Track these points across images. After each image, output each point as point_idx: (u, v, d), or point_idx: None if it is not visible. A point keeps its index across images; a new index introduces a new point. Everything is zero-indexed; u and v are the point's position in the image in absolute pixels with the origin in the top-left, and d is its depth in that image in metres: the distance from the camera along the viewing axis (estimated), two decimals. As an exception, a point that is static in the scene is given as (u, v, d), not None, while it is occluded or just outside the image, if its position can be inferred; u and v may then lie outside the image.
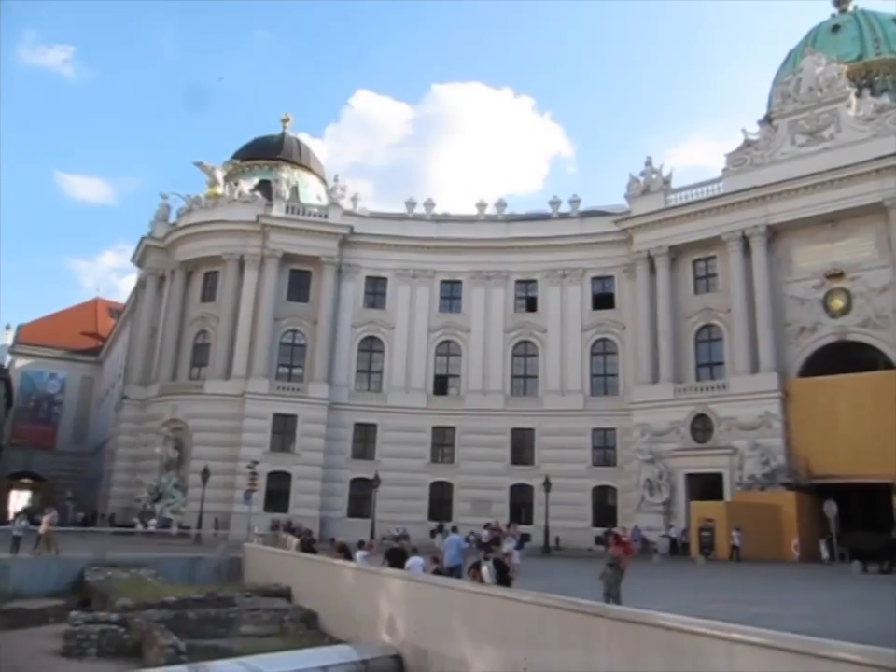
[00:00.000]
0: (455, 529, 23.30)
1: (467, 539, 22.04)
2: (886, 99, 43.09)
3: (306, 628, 14.21)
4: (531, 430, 46.49)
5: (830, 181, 40.13)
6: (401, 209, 52.70)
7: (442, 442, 47.41)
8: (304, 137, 65.64)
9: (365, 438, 47.23)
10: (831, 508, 33.94)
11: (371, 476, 42.83)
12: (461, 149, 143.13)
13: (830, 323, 40.21)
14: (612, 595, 12.88)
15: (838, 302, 40.13)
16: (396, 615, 11.12)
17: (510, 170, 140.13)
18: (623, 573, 13.37)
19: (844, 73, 43.26)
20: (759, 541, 34.35)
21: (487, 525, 24.42)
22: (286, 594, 17.22)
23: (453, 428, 47.24)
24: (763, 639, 5.31)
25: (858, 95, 42.89)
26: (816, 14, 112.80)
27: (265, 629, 14.28)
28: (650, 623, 6.32)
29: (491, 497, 44.69)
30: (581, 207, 51.15)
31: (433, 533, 37.16)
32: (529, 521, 42.85)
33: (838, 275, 40.19)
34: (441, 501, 45.88)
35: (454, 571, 16.40)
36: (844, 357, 39.20)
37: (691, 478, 41.53)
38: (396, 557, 15.68)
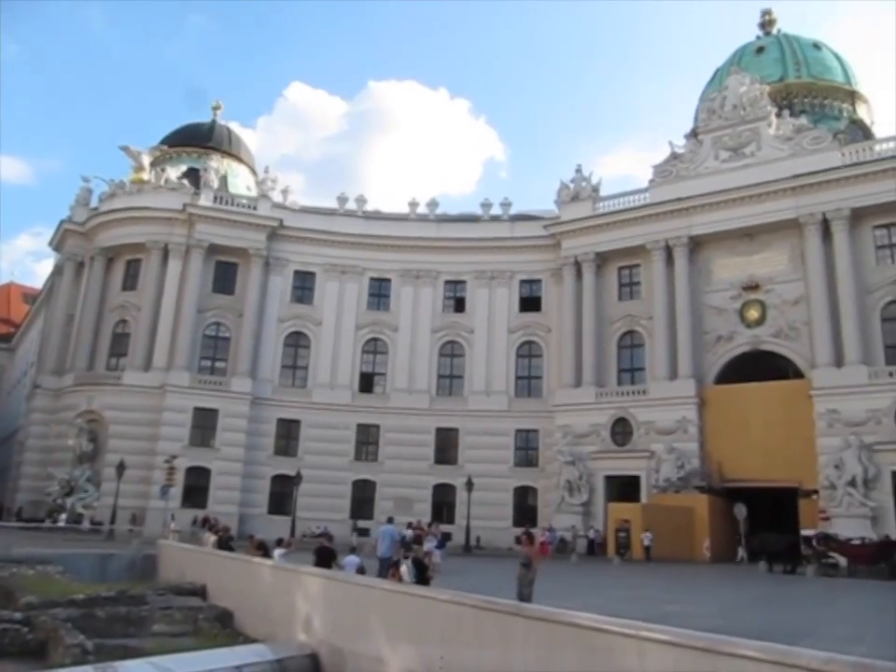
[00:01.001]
0: (390, 520, 23.37)
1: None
2: (804, 120, 44.97)
3: (221, 627, 13.92)
4: (455, 430, 46.78)
5: (749, 196, 41.67)
6: (333, 204, 52.26)
7: (367, 440, 47.22)
8: (235, 126, 64.53)
9: (288, 434, 46.62)
10: (740, 510, 35.25)
11: (292, 473, 42.25)
12: (395, 147, 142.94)
13: (745, 333, 41.75)
14: (524, 595, 13.02)
15: (753, 313, 41.70)
16: (313, 614, 11.01)
17: (443, 170, 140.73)
18: (535, 573, 13.54)
19: (766, 93, 44.95)
20: (673, 542, 35.43)
21: (410, 525, 24.47)
22: (201, 592, 16.84)
23: (377, 426, 47.11)
24: (670, 637, 5.47)
25: (778, 115, 44.62)
26: (742, 34, 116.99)
27: (178, 628, 13.92)
28: (564, 621, 6.43)
29: (414, 496, 44.76)
30: (512, 211, 51.78)
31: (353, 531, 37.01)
32: (451, 520, 43.11)
33: (754, 287, 41.76)
34: (363, 499, 45.70)
35: (385, 563, 16.35)
36: (757, 366, 40.80)
37: (609, 480, 42.50)
38: (324, 556, 15.56)
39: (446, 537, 33.54)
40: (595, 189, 48.25)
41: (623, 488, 41.81)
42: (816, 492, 36.48)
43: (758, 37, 63.69)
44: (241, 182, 55.39)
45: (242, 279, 48.02)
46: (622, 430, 42.92)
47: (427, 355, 48.37)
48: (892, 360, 37.67)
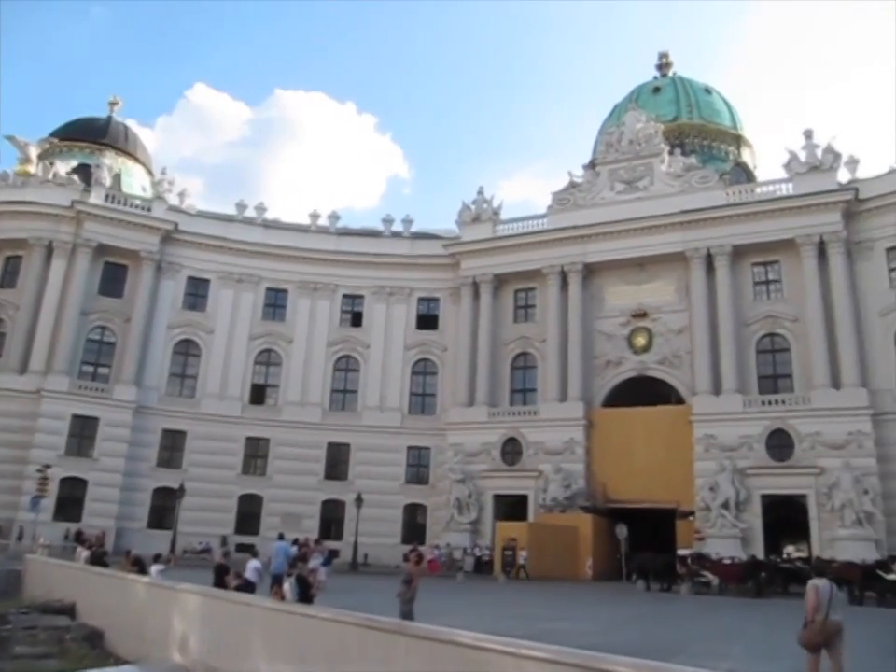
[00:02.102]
0: (281, 536, 23.02)
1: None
2: (693, 160, 47.42)
3: (90, 648, 13.25)
4: (347, 445, 46.34)
5: (641, 228, 43.49)
6: (231, 211, 51.12)
7: (255, 454, 46.09)
8: (133, 124, 62.28)
9: (173, 445, 44.92)
10: (621, 530, 36.44)
11: (175, 486, 40.67)
12: (299, 158, 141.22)
13: (633, 358, 43.38)
14: (404, 612, 13.00)
15: (641, 340, 43.41)
16: (189, 633, 10.64)
17: (347, 184, 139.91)
18: (414, 591, 13.55)
19: (660, 131, 47.13)
20: (557, 561, 36.21)
21: (296, 541, 24.05)
22: (69, 610, 16.00)
23: (267, 440, 46.08)
24: (548, 654, 5.60)
25: (671, 153, 46.88)
26: (641, 74, 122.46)
27: (42, 649, 13.15)
28: (445, 639, 6.49)
29: (302, 512, 43.96)
30: (414, 228, 52.09)
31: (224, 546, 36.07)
32: (340, 537, 42.71)
33: (642, 315, 43.51)
34: (249, 515, 44.50)
35: (278, 579, 16.22)
36: (643, 391, 42.41)
37: (498, 498, 43.08)
38: (221, 574, 15.17)
39: (333, 554, 33.19)
40: (496, 212, 49.19)
41: (512, 507, 42.47)
42: (692, 513, 38.11)
43: (655, 78, 66.86)
44: (136, 182, 53.36)
45: (131, 282, 46.12)
46: (512, 450, 43.65)
47: (321, 368, 47.79)
48: (765, 390, 39.99)
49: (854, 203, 39.80)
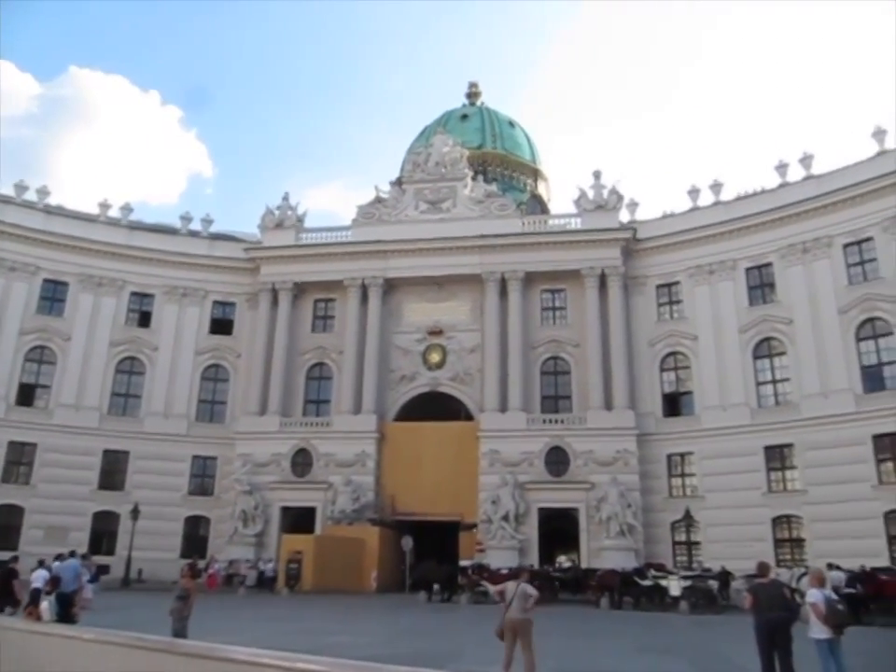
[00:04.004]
0: (72, 554, 21.36)
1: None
2: (494, 187, 49.78)
3: None
4: (126, 453, 43.35)
5: (441, 248, 44.87)
6: (9, 192, 46.26)
7: (20, 460, 41.78)
8: None
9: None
10: (407, 542, 37.18)
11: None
12: (92, 143, 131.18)
13: (426, 374, 44.51)
14: (177, 630, 12.45)
15: (435, 357, 44.68)
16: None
17: (144, 178, 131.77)
18: (190, 608, 13.05)
19: (465, 157, 49.00)
20: (343, 573, 36.16)
21: (59, 557, 22.24)
22: None
23: (34, 445, 41.91)
24: (323, 667, 5.58)
25: (474, 179, 48.93)
26: (451, 99, 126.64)
27: None
28: (218, 657, 6.26)
29: (70, 525, 40.44)
30: (214, 229, 50.04)
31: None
32: (112, 551, 39.92)
33: (438, 332, 44.82)
34: (7, 528, 40.16)
35: (68, 597, 15.20)
36: (434, 406, 43.63)
37: (286, 511, 42.31)
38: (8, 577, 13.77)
39: (102, 570, 30.93)
40: (300, 220, 48.59)
41: (299, 519, 41.89)
42: (475, 525, 39.67)
43: (464, 105, 69.65)
44: None
45: None
46: (302, 461, 43.08)
47: (101, 369, 44.31)
48: (547, 409, 42.61)
49: (632, 242, 43.69)
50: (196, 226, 49.45)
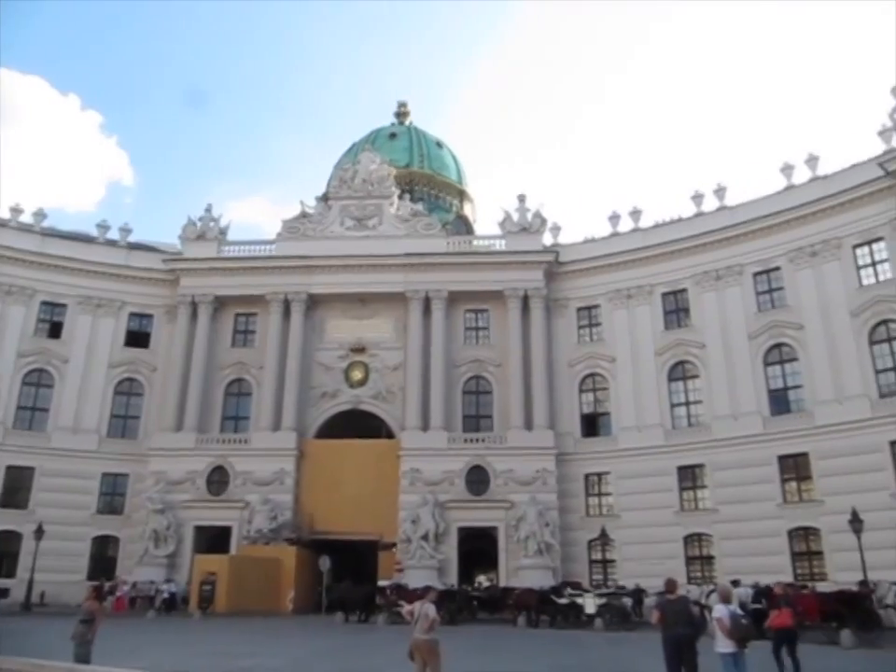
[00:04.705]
0: None
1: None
2: (420, 207, 50.11)
3: None
4: (31, 469, 41.39)
5: (366, 265, 44.79)
6: None
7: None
8: None
9: None
10: (324, 562, 36.58)
11: None
12: (3, 144, 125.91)
13: (348, 392, 44.15)
14: (79, 655, 11.92)
15: (357, 374, 44.39)
16: None
17: (59, 183, 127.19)
18: (95, 632, 12.53)
19: (392, 175, 49.09)
20: (259, 594, 35.35)
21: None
22: None
23: (-73, 460, 39.76)
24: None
25: (400, 198, 49.03)
26: (381, 117, 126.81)
27: None
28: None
29: (-36, 545, 38.41)
30: (132, 238, 48.59)
31: None
32: (12, 573, 38.09)
33: (361, 350, 44.58)
34: None
35: None
36: (356, 424, 43.33)
37: (200, 530, 41.09)
38: None
39: (1, 594, 29.44)
40: (223, 232, 47.69)
41: (214, 539, 40.75)
42: (394, 544, 39.40)
43: (392, 124, 69.98)
44: None
45: None
46: (218, 479, 41.95)
47: (6, 381, 42.28)
48: (468, 428, 42.84)
49: (554, 265, 44.54)
50: (114, 235, 47.92)
